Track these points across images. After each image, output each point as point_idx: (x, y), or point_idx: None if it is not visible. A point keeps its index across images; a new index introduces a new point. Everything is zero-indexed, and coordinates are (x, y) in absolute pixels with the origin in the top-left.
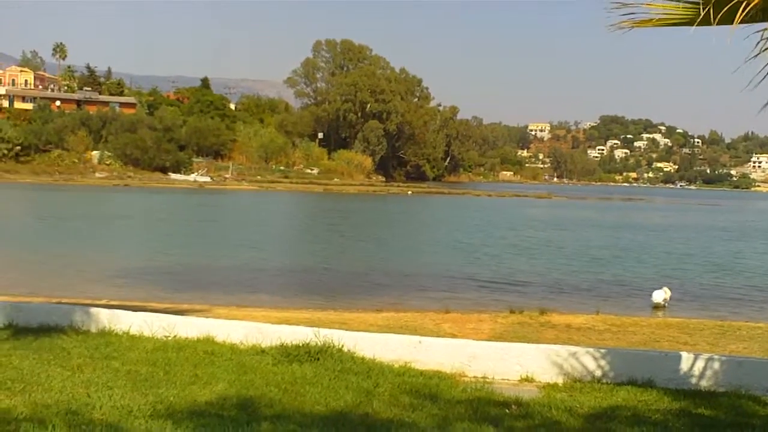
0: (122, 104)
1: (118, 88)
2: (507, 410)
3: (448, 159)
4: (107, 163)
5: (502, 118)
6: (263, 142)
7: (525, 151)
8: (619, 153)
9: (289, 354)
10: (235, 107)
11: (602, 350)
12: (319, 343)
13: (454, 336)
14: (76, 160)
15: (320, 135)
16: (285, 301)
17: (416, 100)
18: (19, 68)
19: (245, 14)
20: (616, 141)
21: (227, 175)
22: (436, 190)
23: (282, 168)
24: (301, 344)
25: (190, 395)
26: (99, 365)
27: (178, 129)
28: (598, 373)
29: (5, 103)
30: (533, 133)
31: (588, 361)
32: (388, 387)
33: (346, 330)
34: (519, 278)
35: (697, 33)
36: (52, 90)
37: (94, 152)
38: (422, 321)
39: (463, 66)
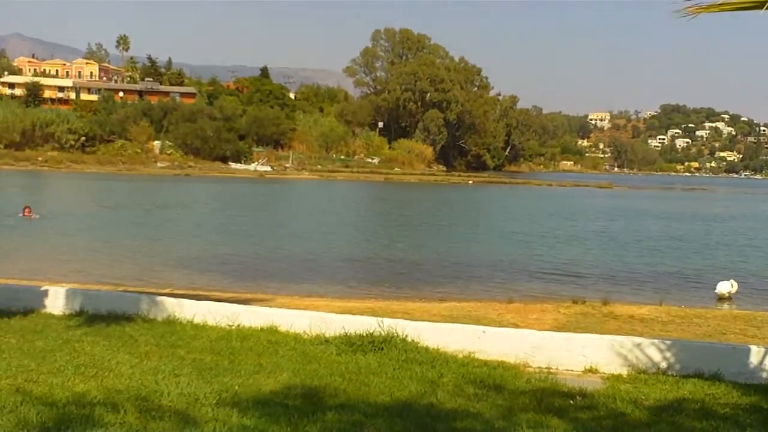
0: (183, 94)
1: (179, 78)
2: (571, 401)
3: (509, 148)
4: (168, 152)
5: (561, 107)
6: (323, 132)
7: (585, 140)
8: (680, 142)
9: (353, 344)
10: (295, 96)
11: (667, 342)
12: (382, 333)
13: (516, 326)
14: (139, 150)
15: (380, 124)
16: (347, 290)
17: (476, 89)
18: (85, 61)
19: (304, 4)
20: (677, 130)
21: (287, 165)
22: (497, 180)
23: (342, 157)
24: (364, 334)
25: (254, 384)
26: (165, 353)
27: (237, 118)
28: (664, 364)
29: (72, 95)
30: (593, 122)
31: (653, 352)
32: (452, 377)
33: (409, 320)
34: (580, 269)
35: (766, 17)
36: (116, 81)
37: (156, 142)
38: (485, 311)
39: (523, 55)
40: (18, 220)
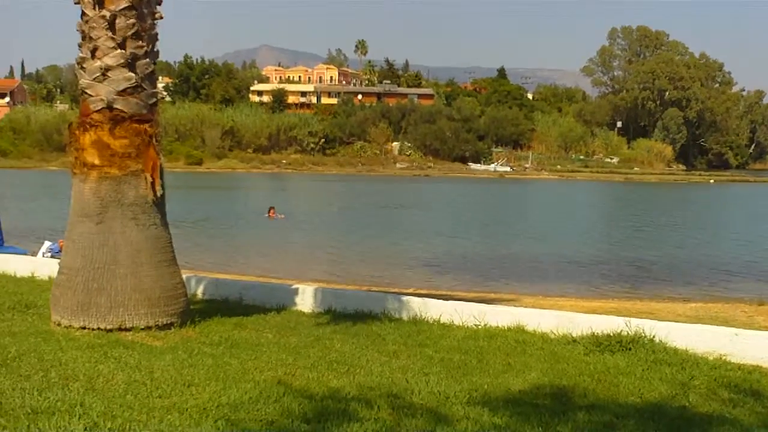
0: (420, 96)
1: (416, 80)
2: None
3: (753, 146)
4: (407, 153)
5: None
6: (562, 132)
7: None
8: None
9: (601, 343)
10: (532, 97)
11: None
12: (630, 333)
13: None
14: (378, 152)
15: (618, 124)
16: (591, 290)
17: (717, 85)
18: (325, 66)
19: (539, 3)
20: None
21: (527, 165)
22: (740, 179)
23: (581, 157)
24: (611, 334)
25: (503, 383)
26: (413, 352)
27: (476, 119)
28: None
29: (313, 100)
30: None
31: None
32: (704, 380)
33: (655, 320)
34: None
35: None
36: (355, 85)
37: (395, 143)
38: (733, 312)
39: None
40: (264, 221)
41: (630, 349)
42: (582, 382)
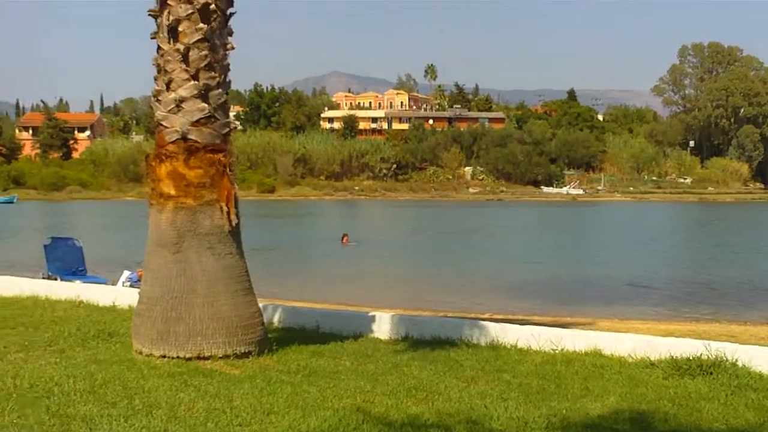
0: (491, 120)
1: (486, 104)
2: None
3: None
4: (480, 178)
5: None
6: (633, 153)
7: None
8: None
9: (680, 367)
10: (603, 118)
11: None
12: (710, 357)
13: None
14: (450, 177)
15: (691, 143)
16: (668, 313)
17: None
18: (396, 91)
19: (605, 25)
20: None
21: (599, 187)
22: None
23: (654, 178)
24: (691, 357)
25: (582, 408)
26: (491, 377)
27: (547, 142)
28: None
29: (384, 125)
30: None
31: None
32: None
33: (736, 343)
34: None
35: None
36: (425, 109)
37: (467, 168)
38: None
39: None
40: (337, 247)
41: (711, 373)
42: (662, 407)
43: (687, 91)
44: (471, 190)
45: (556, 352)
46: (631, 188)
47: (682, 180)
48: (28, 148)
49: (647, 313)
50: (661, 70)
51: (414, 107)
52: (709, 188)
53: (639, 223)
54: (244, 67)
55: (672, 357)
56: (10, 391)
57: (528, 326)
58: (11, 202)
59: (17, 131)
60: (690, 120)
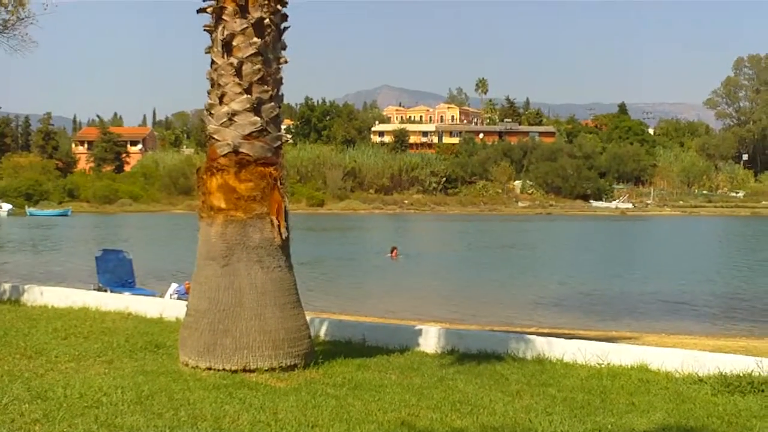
0: (541, 133)
1: (537, 118)
2: None
3: None
4: (529, 192)
5: None
6: (684, 167)
7: None
8: None
9: (730, 384)
10: (654, 132)
11: None
12: (762, 374)
13: None
14: (500, 190)
15: (744, 156)
16: (716, 328)
17: None
18: (446, 105)
19: (659, 39)
20: None
21: (649, 201)
22: None
23: (705, 192)
24: (741, 374)
25: (627, 424)
26: (536, 392)
27: (597, 156)
28: None
29: (435, 139)
30: None
31: None
32: None
33: None
34: None
35: None
36: (476, 123)
37: (517, 182)
38: None
39: None
40: (386, 261)
41: (763, 390)
42: (711, 424)
43: (741, 104)
44: (520, 204)
45: (602, 366)
46: (681, 202)
47: (734, 194)
48: (83, 162)
49: (695, 329)
50: (714, 83)
51: (465, 121)
52: (763, 202)
53: (688, 236)
54: (295, 80)
55: (721, 373)
56: (61, 400)
57: (574, 340)
58: (66, 215)
59: (74, 146)
60: (744, 133)
